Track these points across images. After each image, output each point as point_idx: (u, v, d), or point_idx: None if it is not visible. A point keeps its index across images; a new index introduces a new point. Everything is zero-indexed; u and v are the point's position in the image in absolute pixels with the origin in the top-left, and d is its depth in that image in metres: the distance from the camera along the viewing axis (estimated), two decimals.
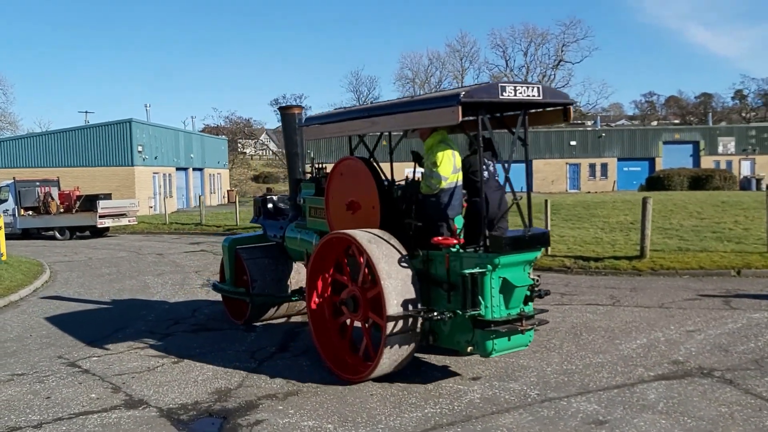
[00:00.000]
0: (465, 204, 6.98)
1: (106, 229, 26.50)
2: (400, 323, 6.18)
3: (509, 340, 6.18)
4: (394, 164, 8.14)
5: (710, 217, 19.45)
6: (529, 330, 6.24)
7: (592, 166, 58.32)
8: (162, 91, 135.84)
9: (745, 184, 49.02)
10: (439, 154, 6.61)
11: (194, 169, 49.90)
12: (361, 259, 6.59)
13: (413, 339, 6.39)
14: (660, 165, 55.98)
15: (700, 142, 59.20)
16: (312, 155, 10.89)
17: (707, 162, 57.23)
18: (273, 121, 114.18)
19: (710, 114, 72.83)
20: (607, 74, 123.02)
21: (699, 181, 44.79)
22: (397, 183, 7.42)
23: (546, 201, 16.24)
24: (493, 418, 5.67)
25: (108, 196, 27.23)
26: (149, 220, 31.25)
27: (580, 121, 72.00)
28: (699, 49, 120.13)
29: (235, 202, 30.23)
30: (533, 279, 6.33)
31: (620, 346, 7.73)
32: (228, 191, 57.03)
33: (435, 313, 6.12)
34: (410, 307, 6.20)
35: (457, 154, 6.74)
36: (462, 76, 76.81)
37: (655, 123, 71.64)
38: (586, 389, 6.28)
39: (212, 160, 54.04)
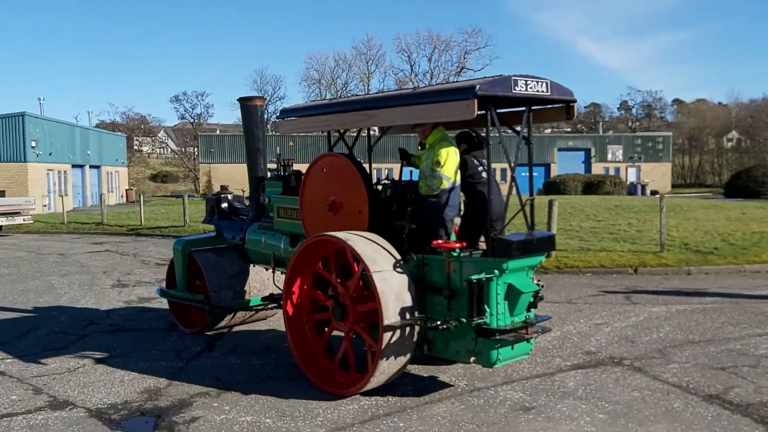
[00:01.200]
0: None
1: None
2: (397, 333, 5.78)
3: (513, 348, 5.86)
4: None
5: (606, 220, 20.69)
6: (532, 337, 5.94)
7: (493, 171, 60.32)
8: (56, 83, 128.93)
9: (632, 190, 52.31)
10: (443, 153, 6.22)
11: (91, 167, 47.74)
12: (356, 266, 6.10)
13: (409, 349, 6.00)
14: (555, 171, 58.65)
15: (591, 150, 62.52)
16: (278, 151, 10.34)
17: (597, 168, 60.47)
18: (173, 118, 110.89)
19: (600, 123, 76.92)
20: None
21: (591, 186, 47.41)
22: (382, 182, 6.93)
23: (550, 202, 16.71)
24: (427, 408, 5.91)
25: (1, 194, 25.62)
26: (45, 219, 29.68)
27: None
28: (590, 61, 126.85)
29: (138, 201, 29.22)
30: (538, 284, 6.05)
31: (537, 339, 8.17)
32: (127, 190, 54.93)
33: (438, 322, 5.70)
34: (407, 316, 5.79)
35: (458, 152, 6.39)
36: (368, 79, 77.51)
37: (549, 131, 74.95)
38: (511, 379, 6.64)
39: (110, 158, 51.88)
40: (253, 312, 8.87)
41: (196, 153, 69.27)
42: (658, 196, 22.43)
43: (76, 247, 19.74)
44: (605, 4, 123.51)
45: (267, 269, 8.43)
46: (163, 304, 10.80)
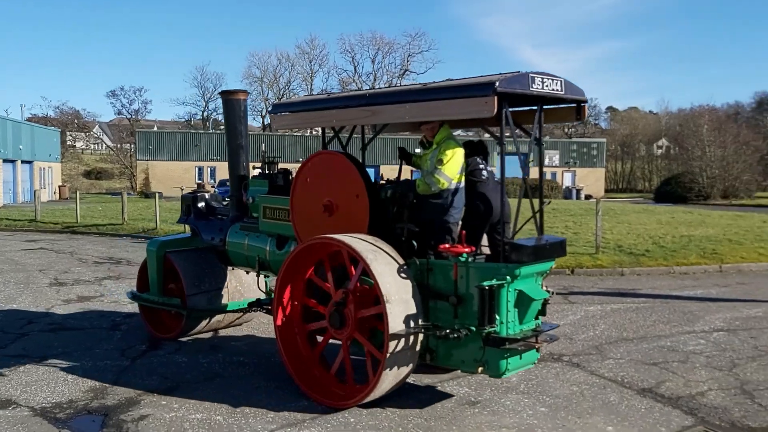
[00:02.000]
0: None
1: None
2: (402, 342, 5.51)
3: (521, 358, 5.62)
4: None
5: (544, 223, 21.24)
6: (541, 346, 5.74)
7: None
8: None
9: (567, 194, 53.82)
10: (449, 152, 5.92)
11: (23, 162, 46.05)
12: (353, 270, 5.84)
13: (412, 359, 5.72)
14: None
15: (529, 155, 63.91)
16: (264, 151, 9.13)
17: (535, 172, 61.61)
18: (109, 114, 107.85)
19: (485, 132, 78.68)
20: None
21: (530, 189, 48.46)
22: (381, 182, 6.58)
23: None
24: (377, 402, 6.02)
25: None
26: None
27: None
28: (529, 68, 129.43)
29: (72, 198, 28.36)
30: (548, 291, 5.84)
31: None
32: (60, 187, 53.18)
33: (447, 330, 5.46)
34: (412, 324, 5.53)
35: (463, 153, 6.11)
36: (311, 78, 77.29)
37: (487, 135, 76.36)
38: (457, 375, 6.83)
39: (43, 153, 50.14)
40: (237, 317, 8.49)
41: (133, 150, 67.60)
42: (593, 200, 23.21)
43: (8, 245, 19.07)
44: (545, 12, 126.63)
45: (248, 272, 8.16)
46: (105, 302, 10.65)
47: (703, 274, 13.69)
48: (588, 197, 50.41)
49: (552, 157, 64.72)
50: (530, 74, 5.42)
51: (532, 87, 5.42)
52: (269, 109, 7.67)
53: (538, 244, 5.58)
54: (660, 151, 79.72)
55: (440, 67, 79.27)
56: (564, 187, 56.69)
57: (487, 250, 6.34)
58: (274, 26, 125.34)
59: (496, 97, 5.11)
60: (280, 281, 6.34)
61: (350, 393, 5.89)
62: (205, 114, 79.51)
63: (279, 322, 6.38)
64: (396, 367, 5.60)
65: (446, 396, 6.25)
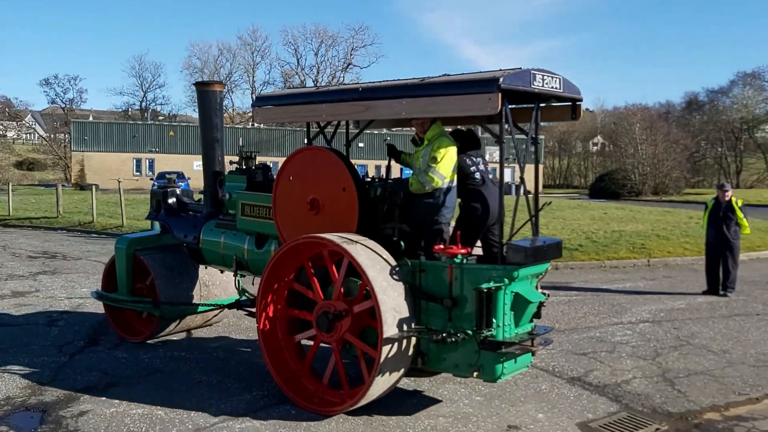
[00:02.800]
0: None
1: None
2: (395, 346, 5.34)
3: (516, 362, 5.50)
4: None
5: None
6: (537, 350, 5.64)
7: (378, 168, 61.36)
8: None
9: (507, 189, 54.88)
10: (442, 150, 5.71)
11: None
12: (335, 271, 5.70)
13: (405, 363, 5.57)
14: None
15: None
16: (242, 144, 8.69)
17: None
18: (42, 103, 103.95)
19: (479, 126, 79.92)
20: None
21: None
22: (370, 179, 6.37)
23: None
24: None
25: None
26: None
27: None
28: (471, 64, 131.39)
29: (4, 189, 27.41)
30: (544, 294, 5.73)
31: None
32: None
33: (443, 335, 5.27)
34: (405, 327, 5.36)
35: (456, 150, 5.92)
36: (253, 70, 76.40)
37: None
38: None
39: None
40: (209, 317, 8.29)
41: (67, 140, 65.50)
42: (531, 195, 23.76)
43: None
44: (487, 10, 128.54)
45: (222, 271, 7.96)
46: (41, 298, 10.44)
47: (633, 268, 14.31)
48: (528, 193, 51.32)
49: (493, 152, 65.82)
50: (532, 71, 5.31)
51: (534, 84, 5.31)
52: (252, 101, 7.18)
53: (537, 245, 5.40)
54: (596, 148, 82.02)
55: (383, 62, 79.84)
56: (505, 182, 57.68)
57: (477, 251, 6.22)
58: (215, 16, 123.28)
59: (500, 94, 4.98)
60: (264, 285, 6.05)
61: (343, 398, 5.73)
62: (144, 104, 77.73)
63: (263, 329, 6.12)
64: (389, 372, 5.42)
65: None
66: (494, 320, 5.23)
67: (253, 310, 6.56)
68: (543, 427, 5.54)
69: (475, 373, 5.40)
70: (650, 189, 48.48)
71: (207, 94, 7.77)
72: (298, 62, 77.40)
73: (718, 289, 11.17)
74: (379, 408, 5.86)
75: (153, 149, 55.85)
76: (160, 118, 73.90)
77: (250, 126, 65.65)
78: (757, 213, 25.02)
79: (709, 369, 7.13)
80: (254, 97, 6.86)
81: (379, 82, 6.09)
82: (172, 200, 8.16)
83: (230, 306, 7.37)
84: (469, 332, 5.24)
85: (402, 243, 5.77)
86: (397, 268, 5.54)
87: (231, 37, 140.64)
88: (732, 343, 8.16)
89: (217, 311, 7.97)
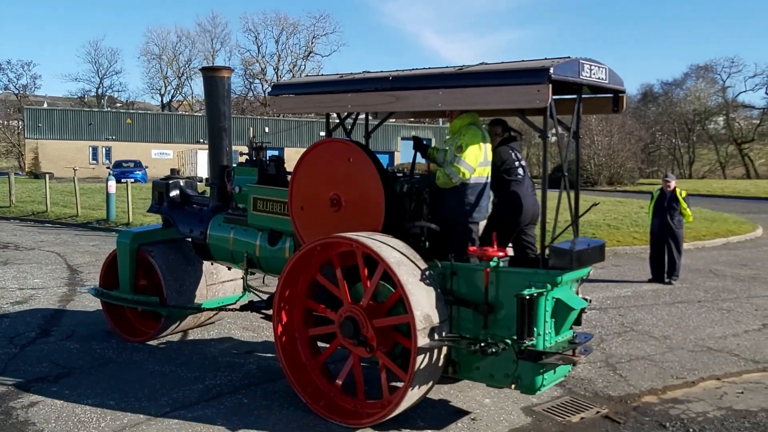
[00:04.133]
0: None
1: None
2: (428, 356, 4.99)
3: (555, 372, 5.17)
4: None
5: None
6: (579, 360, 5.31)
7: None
8: None
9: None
10: (467, 139, 5.38)
11: None
12: (365, 273, 5.29)
13: (437, 373, 5.22)
14: (398, 159, 60.72)
15: (432, 140, 65.28)
16: (252, 135, 7.77)
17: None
18: None
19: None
20: (353, 69, 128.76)
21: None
22: (394, 173, 5.98)
23: None
24: (271, 385, 6.27)
25: None
26: None
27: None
28: (433, 53, 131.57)
29: None
30: (586, 300, 5.40)
31: None
32: None
33: (482, 344, 4.85)
34: (438, 336, 4.98)
35: (489, 143, 5.60)
36: (213, 57, 75.29)
37: (393, 120, 77.31)
38: (346, 356, 7.15)
39: None
40: (212, 315, 7.93)
41: (20, 127, 63.80)
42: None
43: None
44: None
45: (230, 268, 7.66)
46: None
47: None
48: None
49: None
50: (580, 60, 4.98)
51: (582, 74, 4.99)
52: (269, 90, 6.91)
53: (582, 248, 5.03)
54: (554, 138, 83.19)
55: (345, 50, 79.56)
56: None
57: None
58: (173, 1, 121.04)
59: (550, 85, 4.63)
60: (282, 284, 5.69)
61: (363, 410, 5.42)
62: (100, 91, 76.06)
63: (280, 329, 5.76)
64: (420, 384, 5.07)
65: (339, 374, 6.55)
66: (535, 329, 4.87)
67: (268, 312, 6.36)
68: (489, 411, 5.73)
69: (512, 385, 5.05)
70: (605, 179, 49.42)
71: (214, 80, 7.28)
72: (258, 50, 76.55)
73: (663, 277, 11.56)
74: None
75: (110, 137, 54.80)
76: (117, 105, 72.50)
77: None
78: (706, 203, 25.84)
79: (650, 354, 7.43)
80: (272, 85, 6.47)
81: (410, 70, 5.65)
82: (175, 192, 7.74)
83: (243, 308, 7.05)
84: (508, 341, 4.84)
85: (427, 243, 5.45)
86: (429, 272, 5.17)
87: (190, 24, 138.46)
88: (673, 329, 8.49)
89: (219, 310, 7.62)
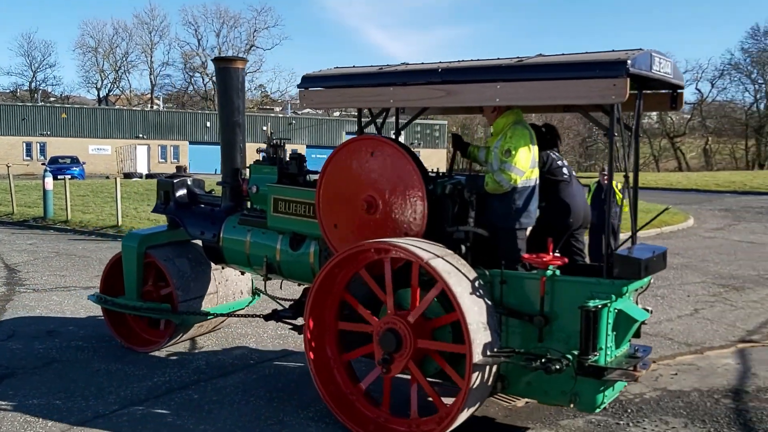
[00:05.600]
0: None
1: None
2: (482, 373, 4.59)
3: (614, 388, 4.84)
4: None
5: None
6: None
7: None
8: None
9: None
10: (515, 140, 5.01)
11: None
12: (433, 293, 4.78)
13: (487, 391, 4.82)
14: None
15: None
16: (270, 133, 7.21)
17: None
18: None
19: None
20: (295, 63, 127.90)
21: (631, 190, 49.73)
22: (437, 175, 5.54)
23: None
24: (221, 380, 6.28)
25: None
26: None
27: (270, 107, 74.31)
28: (376, 48, 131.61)
29: None
30: (647, 310, 5.02)
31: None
32: None
33: (543, 360, 4.44)
34: (491, 351, 4.60)
35: (536, 143, 5.22)
36: (151, 50, 73.62)
37: (337, 114, 77.02)
38: (301, 349, 7.20)
39: None
40: (219, 321, 7.61)
41: None
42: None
43: None
44: None
45: (243, 273, 7.29)
46: None
47: None
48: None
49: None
50: (652, 53, 4.61)
51: (653, 68, 4.62)
52: (298, 83, 5.86)
53: (649, 256, 4.66)
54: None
55: (287, 44, 78.84)
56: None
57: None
58: None
59: (628, 79, 4.24)
60: (314, 296, 5.20)
61: (412, 428, 4.97)
62: (33, 85, 73.40)
63: (313, 354, 5.30)
64: (472, 402, 4.68)
65: (289, 370, 6.61)
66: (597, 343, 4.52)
67: (296, 322, 6.17)
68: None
69: (571, 404, 4.70)
70: None
71: (228, 72, 6.82)
72: (199, 43, 75.26)
73: None
74: (278, 390, 6.02)
75: (44, 132, 52.98)
76: (52, 99, 70.01)
77: (149, 108, 63.51)
78: (641, 195, 26.39)
79: None
80: (301, 77, 5.86)
81: (466, 61, 5.17)
82: (182, 192, 7.25)
83: (267, 317, 6.55)
84: (569, 356, 4.48)
85: (463, 248, 5.05)
86: (478, 282, 4.78)
87: (127, 16, 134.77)
88: None
89: (243, 316, 7.21)
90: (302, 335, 5.52)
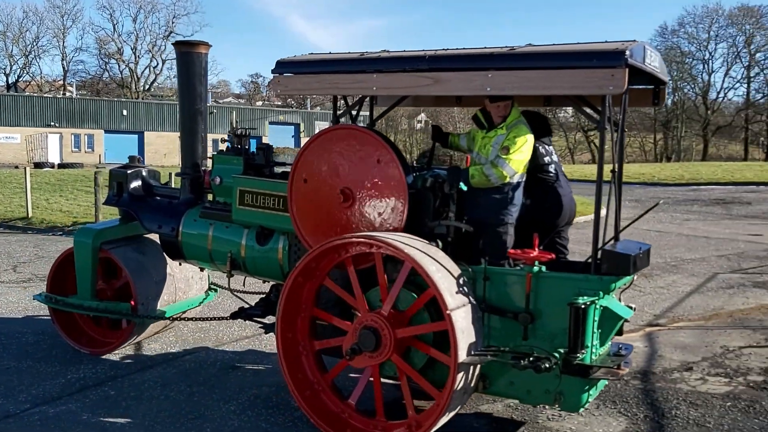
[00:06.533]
0: None
1: None
2: (466, 372, 4.46)
3: (596, 387, 4.79)
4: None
5: None
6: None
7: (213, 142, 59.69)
8: None
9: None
10: (519, 140, 4.91)
11: None
12: (383, 280, 4.71)
13: (471, 390, 4.69)
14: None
15: (300, 125, 65.03)
16: (235, 123, 6.70)
17: None
18: None
19: (309, 100, 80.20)
20: (217, 52, 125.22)
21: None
22: (415, 166, 5.36)
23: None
24: (138, 375, 6.14)
25: None
26: None
27: None
28: (300, 38, 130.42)
29: None
30: (631, 308, 4.92)
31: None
32: None
33: (531, 359, 4.33)
34: (478, 349, 4.48)
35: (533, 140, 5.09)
36: (64, 35, 70.38)
37: (260, 103, 75.88)
38: (221, 342, 7.12)
39: None
40: (164, 323, 7.09)
41: None
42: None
43: None
44: None
45: (202, 269, 6.94)
46: None
47: None
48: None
49: (322, 127, 66.39)
50: (645, 45, 4.52)
51: (646, 61, 4.52)
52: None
53: (636, 252, 4.58)
54: (420, 125, 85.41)
55: (208, 31, 76.76)
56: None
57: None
58: None
59: (626, 70, 4.13)
60: (288, 292, 4.98)
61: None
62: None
63: (282, 344, 5.07)
64: (456, 404, 4.55)
65: (210, 362, 6.52)
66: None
67: (266, 321, 6.00)
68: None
69: (555, 404, 4.62)
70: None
71: (190, 57, 6.42)
72: (114, 28, 72.40)
73: None
74: (199, 384, 5.96)
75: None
76: None
77: (60, 95, 60.76)
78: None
79: None
80: (276, 62, 5.53)
81: (455, 49, 4.96)
82: (136, 183, 6.81)
83: (233, 315, 6.25)
84: (557, 355, 4.37)
85: (440, 243, 4.88)
86: (463, 277, 4.63)
87: None
88: None
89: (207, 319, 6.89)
90: (260, 332, 5.37)
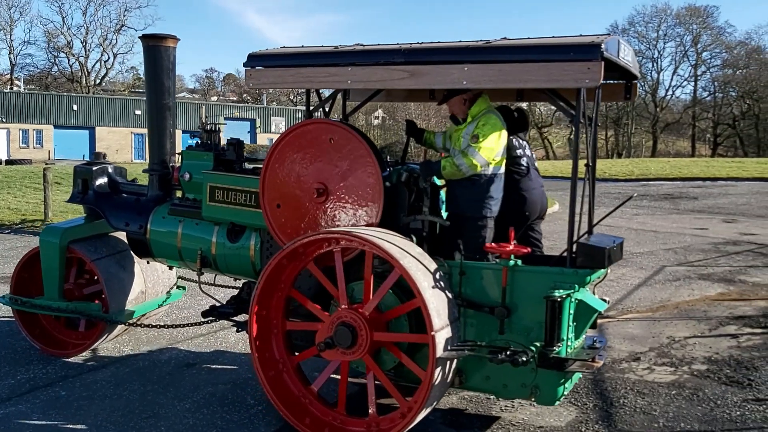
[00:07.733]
0: None
1: None
2: (444, 367, 4.43)
3: (571, 380, 4.85)
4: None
5: None
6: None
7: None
8: None
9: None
10: (487, 128, 4.89)
11: None
12: (369, 277, 4.66)
13: (447, 386, 4.68)
14: (223, 139, 59.28)
15: (256, 120, 64.46)
16: (205, 118, 6.35)
17: (262, 138, 62.71)
18: None
19: (265, 95, 79.51)
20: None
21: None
22: (389, 161, 5.29)
23: None
24: (91, 375, 6.06)
25: None
26: None
27: (142, 90, 71.17)
28: (256, 33, 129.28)
29: None
30: (605, 300, 5.01)
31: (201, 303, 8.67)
32: None
33: (509, 353, 4.33)
34: (453, 344, 4.45)
35: (506, 131, 5.07)
36: (11, 27, 68.24)
37: (215, 99, 74.91)
38: (176, 340, 7.06)
39: None
40: (152, 314, 7.10)
41: None
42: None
43: None
44: None
45: (171, 268, 6.82)
46: None
47: None
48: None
49: (278, 123, 65.94)
50: (618, 39, 4.54)
51: (620, 55, 4.53)
52: (244, 61, 5.33)
53: (610, 245, 4.57)
54: (377, 121, 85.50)
55: (161, 25, 75.48)
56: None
57: None
58: None
59: (602, 63, 4.14)
60: (260, 292, 4.89)
61: (370, 427, 4.73)
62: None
63: (256, 321, 4.95)
64: (433, 402, 4.55)
65: (164, 360, 6.47)
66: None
67: (238, 319, 5.90)
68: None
69: (531, 398, 4.64)
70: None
71: (157, 51, 6.26)
72: (63, 21, 70.78)
73: None
74: (154, 382, 5.90)
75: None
76: None
77: (8, 90, 58.97)
78: None
79: None
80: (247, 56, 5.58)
81: (432, 43, 4.96)
82: (102, 180, 6.66)
83: (205, 314, 6.09)
84: (533, 348, 4.40)
85: (414, 237, 4.88)
86: (439, 271, 4.61)
87: None
88: None
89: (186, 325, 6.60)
90: (237, 332, 5.41)
